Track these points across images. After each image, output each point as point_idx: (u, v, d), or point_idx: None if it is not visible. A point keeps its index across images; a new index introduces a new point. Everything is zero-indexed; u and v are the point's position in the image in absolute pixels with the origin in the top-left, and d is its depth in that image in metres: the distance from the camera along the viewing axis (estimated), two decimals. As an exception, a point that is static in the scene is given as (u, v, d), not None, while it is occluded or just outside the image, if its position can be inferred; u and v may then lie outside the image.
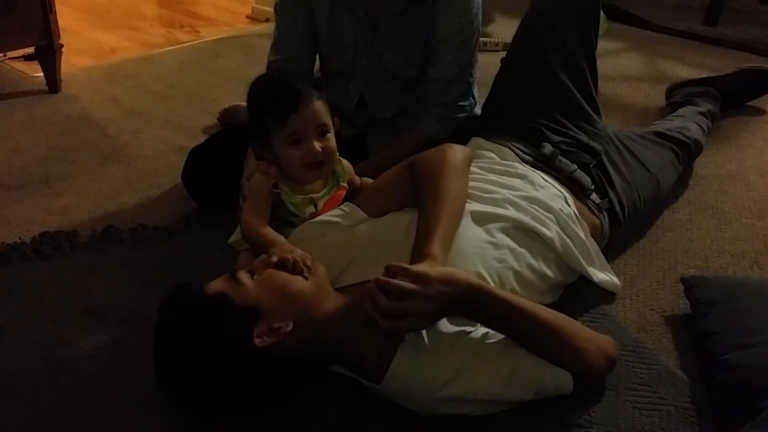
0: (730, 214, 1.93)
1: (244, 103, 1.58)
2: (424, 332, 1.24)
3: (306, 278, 1.28)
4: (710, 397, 1.35)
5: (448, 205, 1.37)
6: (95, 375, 1.40)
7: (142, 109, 2.53)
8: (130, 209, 1.94)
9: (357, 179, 1.62)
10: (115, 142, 2.30)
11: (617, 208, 1.68)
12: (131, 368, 1.39)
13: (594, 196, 1.66)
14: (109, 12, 3.67)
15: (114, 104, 2.56)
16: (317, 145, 1.46)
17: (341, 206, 1.50)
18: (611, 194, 1.68)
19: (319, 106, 1.47)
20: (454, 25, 1.77)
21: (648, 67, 2.93)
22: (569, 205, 1.57)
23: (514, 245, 1.43)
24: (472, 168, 1.55)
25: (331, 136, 1.50)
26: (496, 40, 3.02)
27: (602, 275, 1.58)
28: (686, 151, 1.98)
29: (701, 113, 2.20)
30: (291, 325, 1.21)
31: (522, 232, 1.45)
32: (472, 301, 1.21)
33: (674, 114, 2.22)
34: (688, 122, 2.10)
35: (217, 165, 1.80)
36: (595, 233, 1.62)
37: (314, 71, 1.92)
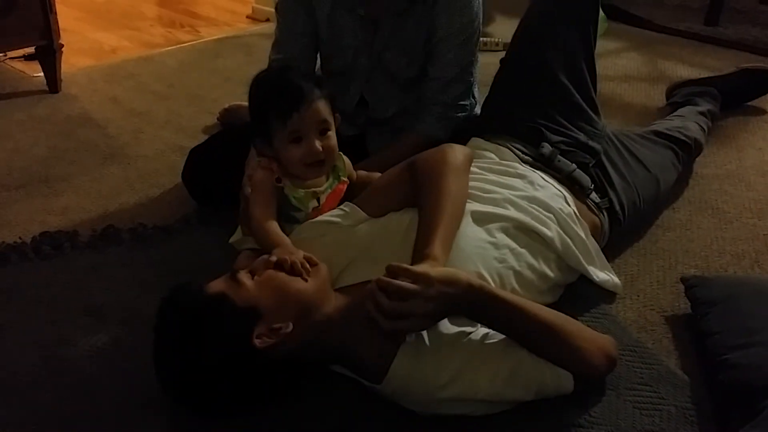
0: (731, 213, 1.93)
1: (245, 103, 1.58)
2: (424, 333, 1.24)
3: (306, 280, 1.28)
4: (711, 396, 1.34)
5: (448, 205, 1.37)
6: (95, 375, 1.40)
7: (142, 109, 2.53)
8: (130, 209, 1.94)
9: (354, 174, 1.62)
10: (115, 142, 2.30)
11: (617, 207, 1.68)
12: (131, 368, 1.39)
13: (593, 195, 1.66)
14: (109, 12, 3.67)
15: (114, 104, 2.56)
16: (318, 144, 1.46)
17: (341, 206, 1.50)
18: (611, 194, 1.68)
19: (321, 104, 1.47)
20: (454, 24, 1.77)
21: (648, 67, 2.93)
22: (569, 205, 1.57)
23: (514, 245, 1.42)
24: (472, 168, 1.55)
25: (332, 134, 1.50)
26: (497, 39, 3.02)
27: (602, 275, 1.58)
28: (686, 150, 1.98)
29: (701, 113, 2.20)
30: (291, 326, 1.21)
31: (522, 232, 1.45)
32: (473, 302, 1.21)
33: (674, 114, 2.22)
34: (688, 122, 2.10)
35: (218, 165, 1.80)
36: (595, 232, 1.62)
37: (315, 71, 1.92)
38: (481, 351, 1.24)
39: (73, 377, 1.39)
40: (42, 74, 2.61)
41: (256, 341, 1.19)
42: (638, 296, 1.62)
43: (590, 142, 1.71)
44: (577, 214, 1.57)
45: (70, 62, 2.82)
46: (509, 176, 1.58)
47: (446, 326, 1.25)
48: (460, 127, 1.86)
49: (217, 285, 1.24)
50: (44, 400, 1.34)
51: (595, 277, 1.55)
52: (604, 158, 1.72)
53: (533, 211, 1.49)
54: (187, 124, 2.42)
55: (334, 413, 1.31)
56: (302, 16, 1.82)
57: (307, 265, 1.30)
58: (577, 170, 1.65)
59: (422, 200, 1.40)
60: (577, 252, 1.51)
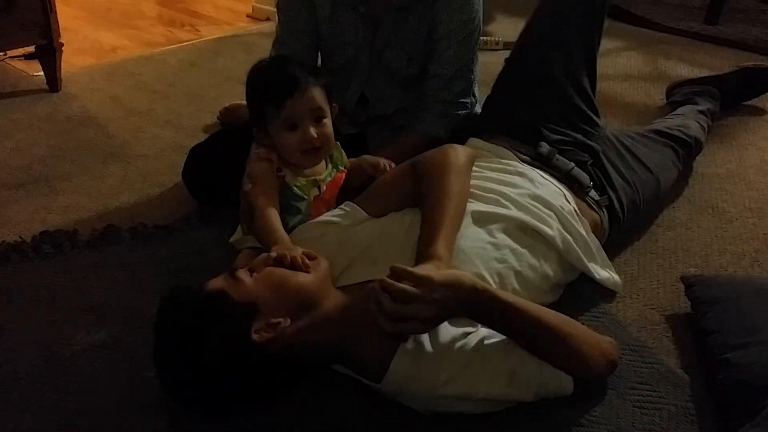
0: (731, 213, 1.93)
1: (245, 102, 1.58)
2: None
3: (307, 272, 1.28)
4: (711, 396, 1.34)
5: (451, 205, 1.37)
6: (95, 375, 1.40)
7: (143, 108, 2.53)
8: (130, 208, 1.94)
9: (348, 164, 1.63)
10: (115, 141, 2.30)
11: (616, 205, 1.68)
12: (131, 368, 1.39)
13: (593, 192, 1.66)
14: (110, 11, 3.67)
15: (114, 103, 2.56)
16: (313, 131, 1.46)
17: (342, 206, 1.50)
18: (610, 192, 1.68)
19: (316, 91, 1.48)
20: (455, 21, 1.77)
21: (648, 66, 2.93)
22: (569, 202, 1.57)
23: (515, 245, 1.42)
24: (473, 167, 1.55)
25: (327, 121, 1.50)
26: (497, 39, 3.02)
27: (603, 273, 1.58)
28: (686, 149, 1.98)
29: (701, 112, 2.20)
30: (289, 321, 1.21)
31: (523, 232, 1.45)
32: (476, 304, 1.21)
33: (674, 113, 2.21)
34: (688, 120, 2.10)
35: (218, 164, 1.80)
36: (596, 230, 1.62)
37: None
38: (481, 351, 1.24)
39: (73, 377, 1.39)
40: (42, 73, 2.60)
41: (254, 336, 1.19)
42: (638, 295, 1.62)
43: (588, 142, 1.71)
44: (578, 211, 1.57)
45: (71, 61, 2.82)
46: (509, 174, 1.58)
47: (446, 326, 1.25)
48: (461, 125, 1.86)
49: (215, 283, 1.24)
50: (44, 400, 1.34)
51: (596, 275, 1.55)
52: (603, 157, 1.72)
53: (534, 209, 1.49)
54: (187, 123, 2.42)
55: (334, 413, 1.31)
56: (303, 13, 1.82)
57: (307, 261, 1.30)
58: (576, 168, 1.65)
59: (425, 200, 1.40)
60: (578, 249, 1.51)
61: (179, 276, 1.66)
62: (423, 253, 1.29)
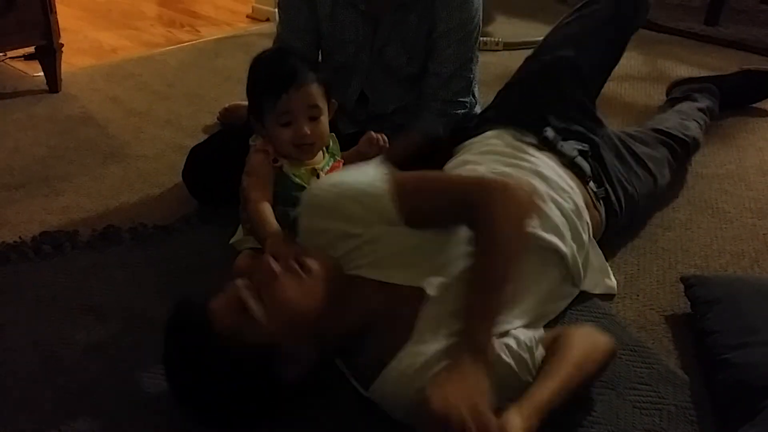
0: (731, 213, 1.93)
1: (245, 103, 1.58)
2: (420, 350, 1.21)
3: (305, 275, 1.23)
4: (710, 396, 1.34)
5: (510, 288, 1.22)
6: (95, 375, 1.40)
7: (143, 108, 2.53)
8: (130, 209, 1.94)
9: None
10: (115, 142, 2.30)
11: (613, 198, 1.68)
12: (131, 368, 1.39)
13: (592, 184, 1.65)
14: (110, 11, 3.67)
15: (114, 104, 2.56)
16: (306, 128, 1.45)
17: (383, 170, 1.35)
18: (608, 186, 1.68)
19: (313, 88, 1.46)
20: (454, 20, 1.77)
21: (648, 67, 2.93)
22: (575, 201, 1.56)
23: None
24: (482, 163, 1.55)
25: (323, 119, 1.49)
26: (497, 39, 3.01)
27: (597, 290, 1.59)
28: (684, 148, 1.99)
29: (700, 109, 2.20)
30: (312, 347, 1.21)
31: (537, 253, 1.40)
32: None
33: (673, 109, 2.21)
34: (687, 120, 2.10)
35: (218, 164, 1.80)
36: (596, 228, 1.62)
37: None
38: None
39: (73, 377, 1.39)
40: (42, 74, 2.61)
41: (286, 374, 1.19)
42: (638, 296, 1.62)
43: (590, 135, 1.71)
44: (582, 207, 1.56)
45: (71, 62, 2.82)
46: (523, 170, 1.54)
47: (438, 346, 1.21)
48: (460, 126, 1.87)
49: (224, 315, 1.18)
50: (44, 400, 1.34)
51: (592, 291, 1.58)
52: (602, 152, 1.72)
53: (552, 218, 1.46)
54: (187, 123, 2.42)
55: (334, 413, 1.31)
56: (304, 11, 1.83)
57: (301, 271, 1.22)
58: (579, 157, 1.65)
59: (480, 258, 1.22)
60: (581, 269, 1.52)
61: (179, 276, 1.66)
62: (471, 339, 1.14)
